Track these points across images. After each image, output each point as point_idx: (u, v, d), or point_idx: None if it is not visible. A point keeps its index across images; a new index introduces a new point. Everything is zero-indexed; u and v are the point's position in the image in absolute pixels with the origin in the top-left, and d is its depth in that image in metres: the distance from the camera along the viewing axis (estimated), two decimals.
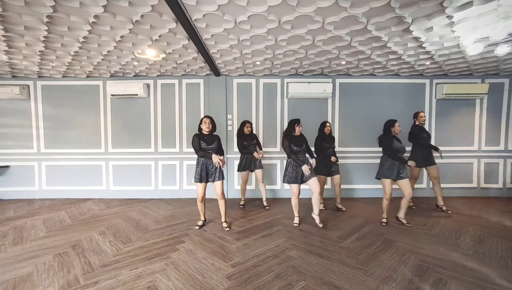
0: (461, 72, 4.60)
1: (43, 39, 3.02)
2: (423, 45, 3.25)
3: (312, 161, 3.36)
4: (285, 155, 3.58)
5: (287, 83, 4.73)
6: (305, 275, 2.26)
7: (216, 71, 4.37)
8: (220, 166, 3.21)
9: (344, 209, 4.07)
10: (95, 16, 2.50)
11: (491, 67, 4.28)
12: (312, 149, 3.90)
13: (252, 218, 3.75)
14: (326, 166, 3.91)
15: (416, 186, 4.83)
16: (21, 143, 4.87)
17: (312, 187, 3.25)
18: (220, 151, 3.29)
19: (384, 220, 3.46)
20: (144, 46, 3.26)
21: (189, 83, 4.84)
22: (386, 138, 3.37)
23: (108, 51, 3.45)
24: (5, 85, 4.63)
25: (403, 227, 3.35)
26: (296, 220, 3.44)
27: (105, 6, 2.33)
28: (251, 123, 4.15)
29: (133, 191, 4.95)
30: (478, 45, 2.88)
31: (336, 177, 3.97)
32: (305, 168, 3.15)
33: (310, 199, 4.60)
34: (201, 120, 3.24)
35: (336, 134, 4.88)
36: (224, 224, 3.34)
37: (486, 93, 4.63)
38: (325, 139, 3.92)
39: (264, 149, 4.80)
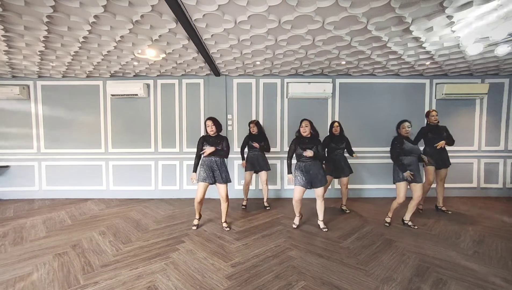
0: (461, 72, 4.60)
1: (43, 39, 3.02)
2: (423, 45, 3.25)
3: (308, 152, 3.05)
4: (285, 156, 3.57)
5: (287, 83, 4.73)
6: (305, 275, 2.26)
7: (216, 71, 4.37)
8: (225, 169, 3.20)
9: (348, 211, 4.01)
10: (95, 16, 2.50)
11: (491, 67, 4.28)
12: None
13: (252, 218, 3.75)
14: (337, 167, 3.82)
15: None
16: (21, 143, 4.87)
17: (316, 192, 3.15)
18: (224, 152, 3.18)
19: (388, 220, 3.41)
20: (144, 46, 3.26)
21: (189, 83, 4.84)
22: (394, 141, 3.26)
23: (108, 51, 3.45)
24: (5, 85, 4.63)
25: (403, 227, 3.34)
26: (296, 220, 3.35)
27: (105, 6, 2.32)
28: (256, 123, 4.04)
29: (133, 191, 4.95)
30: (478, 45, 2.87)
31: (344, 179, 3.89)
32: (289, 177, 3.13)
33: (311, 199, 4.61)
34: (205, 123, 3.22)
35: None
36: (224, 224, 3.33)
37: (486, 93, 4.63)
38: (333, 139, 3.84)
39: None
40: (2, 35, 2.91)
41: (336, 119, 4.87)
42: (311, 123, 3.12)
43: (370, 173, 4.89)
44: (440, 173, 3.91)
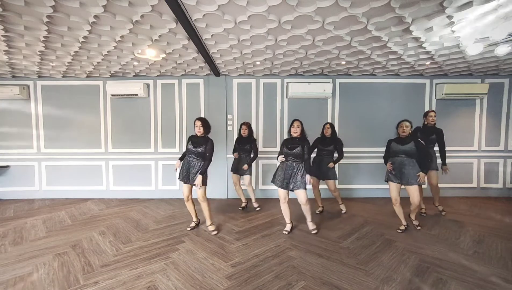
0: (461, 72, 4.60)
1: (43, 39, 3.02)
2: (423, 45, 3.25)
3: (307, 179, 2.98)
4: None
5: (287, 83, 4.73)
6: (305, 275, 2.26)
7: (216, 71, 4.37)
8: (203, 171, 3.06)
9: (344, 211, 3.99)
10: (95, 16, 2.50)
11: (491, 67, 4.28)
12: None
13: (252, 218, 3.75)
14: (319, 169, 3.77)
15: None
16: (21, 143, 4.87)
17: (298, 197, 3.05)
18: (205, 156, 3.10)
19: (402, 227, 3.21)
20: (144, 46, 3.26)
21: (189, 83, 4.84)
22: (386, 144, 3.28)
23: (108, 51, 3.45)
24: (5, 85, 4.63)
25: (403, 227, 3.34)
26: (288, 227, 3.20)
27: (105, 6, 2.33)
28: (248, 125, 4.00)
29: (133, 191, 4.95)
30: (478, 45, 2.87)
31: (330, 182, 3.76)
32: (280, 158, 3.08)
33: (310, 199, 4.61)
34: (194, 122, 3.19)
35: (336, 134, 4.86)
36: (210, 228, 3.20)
37: (486, 93, 4.63)
38: (322, 141, 3.80)
39: (263, 149, 4.80)
40: (2, 35, 2.91)
41: (336, 119, 4.87)
42: (302, 124, 3.08)
43: (370, 173, 4.89)
44: (428, 176, 3.83)
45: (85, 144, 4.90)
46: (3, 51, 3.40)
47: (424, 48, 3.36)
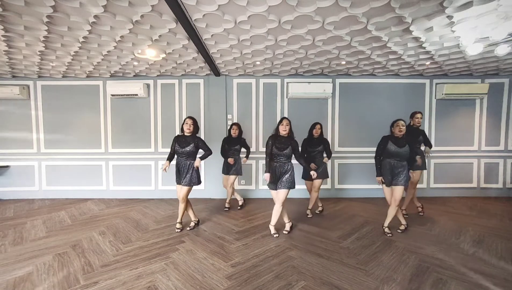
0: (461, 72, 4.60)
1: (43, 39, 3.02)
2: (423, 45, 3.25)
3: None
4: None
5: (287, 83, 4.73)
6: (305, 275, 2.26)
7: (216, 71, 4.37)
8: (192, 171, 3.13)
9: (310, 215, 3.79)
10: (95, 16, 2.50)
11: (491, 67, 4.28)
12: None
13: (252, 218, 3.75)
14: (307, 170, 3.64)
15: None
16: (21, 143, 4.87)
17: (278, 195, 2.99)
18: (194, 154, 3.16)
19: (402, 227, 3.22)
20: (144, 46, 3.26)
21: (189, 83, 4.83)
22: (382, 140, 3.12)
23: (108, 51, 3.45)
24: (5, 85, 4.63)
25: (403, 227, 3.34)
26: (287, 227, 3.19)
27: (105, 6, 2.32)
28: (238, 125, 4.05)
29: (133, 191, 4.95)
30: (478, 45, 2.87)
31: (319, 181, 3.69)
32: (266, 176, 2.97)
33: (308, 198, 4.61)
34: (184, 120, 3.20)
35: (336, 134, 4.88)
36: (178, 225, 3.26)
37: (486, 93, 4.63)
38: (310, 141, 3.72)
39: (263, 149, 4.79)
40: (2, 35, 2.91)
41: (336, 119, 4.87)
42: (290, 122, 3.04)
43: (370, 173, 4.88)
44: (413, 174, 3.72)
45: (85, 144, 4.90)
46: (3, 51, 3.40)
47: (424, 48, 3.36)
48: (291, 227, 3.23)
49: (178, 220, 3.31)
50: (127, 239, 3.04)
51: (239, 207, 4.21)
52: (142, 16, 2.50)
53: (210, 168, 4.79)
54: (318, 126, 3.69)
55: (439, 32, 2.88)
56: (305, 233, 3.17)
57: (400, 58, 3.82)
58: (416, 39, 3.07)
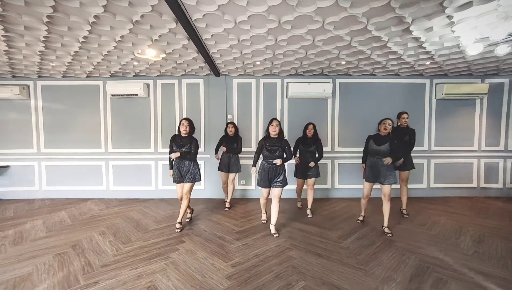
0: (461, 72, 4.60)
1: (43, 39, 3.02)
2: (423, 45, 3.25)
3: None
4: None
5: (287, 83, 4.73)
6: (305, 275, 2.26)
7: (216, 71, 4.37)
8: (193, 168, 3.27)
9: (310, 215, 3.80)
10: (95, 16, 2.50)
11: (491, 67, 4.28)
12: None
13: (252, 218, 3.75)
14: (303, 169, 3.80)
15: (416, 186, 4.84)
16: (21, 143, 4.87)
17: (273, 193, 3.12)
18: (191, 155, 3.25)
19: (361, 218, 3.55)
20: (144, 46, 3.26)
21: (189, 83, 4.83)
22: (366, 140, 3.33)
23: (108, 51, 3.45)
24: (5, 85, 4.63)
25: (403, 227, 3.35)
26: (264, 217, 3.54)
27: (105, 6, 2.32)
28: (234, 124, 4.14)
29: (133, 191, 4.95)
30: (478, 45, 2.87)
31: (311, 180, 3.80)
32: (253, 169, 3.14)
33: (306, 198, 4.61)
34: (180, 121, 3.29)
35: (336, 134, 4.88)
36: (178, 225, 3.27)
37: (486, 93, 4.63)
38: (304, 141, 3.79)
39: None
40: (2, 35, 2.91)
41: (336, 119, 4.87)
42: (280, 123, 3.13)
43: None
44: (401, 175, 3.82)
45: (85, 144, 4.90)
46: (3, 51, 3.40)
47: (424, 48, 3.36)
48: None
49: (179, 220, 3.32)
50: (127, 239, 3.04)
51: (226, 208, 4.19)
52: (142, 16, 2.50)
53: (210, 168, 4.79)
54: (310, 126, 3.77)
55: (439, 32, 2.88)
56: (305, 233, 3.17)
57: (400, 58, 3.82)
58: (416, 39, 3.07)
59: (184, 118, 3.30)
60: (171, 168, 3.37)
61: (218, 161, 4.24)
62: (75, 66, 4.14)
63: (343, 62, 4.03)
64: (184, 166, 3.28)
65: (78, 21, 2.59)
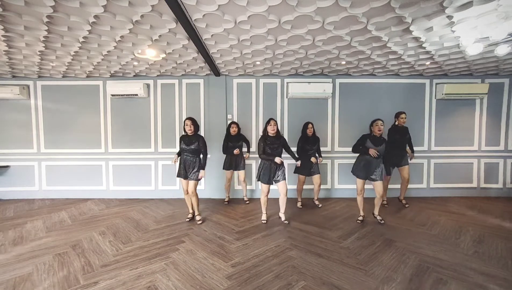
0: (461, 72, 4.60)
1: (43, 39, 3.02)
2: (423, 45, 3.25)
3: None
4: (285, 155, 3.58)
5: (287, 83, 4.73)
6: (305, 275, 2.26)
7: (216, 71, 4.37)
8: (198, 167, 3.43)
9: (320, 205, 4.23)
10: (95, 16, 2.50)
11: (491, 67, 4.28)
12: (294, 149, 3.96)
13: (252, 218, 3.75)
14: (307, 167, 3.97)
15: (415, 186, 4.85)
16: (21, 143, 4.87)
17: (279, 188, 3.39)
18: (199, 151, 3.44)
19: (360, 218, 3.54)
20: (144, 46, 3.26)
21: (189, 83, 4.83)
22: (362, 137, 3.41)
23: (108, 51, 3.45)
24: (5, 85, 4.63)
25: (403, 227, 3.35)
26: (264, 217, 3.57)
27: (105, 6, 2.32)
28: (237, 124, 4.29)
29: (133, 191, 4.95)
30: (478, 45, 2.87)
31: (316, 177, 4.06)
32: (277, 160, 3.25)
33: (308, 198, 4.61)
34: (184, 122, 3.44)
35: (336, 134, 4.89)
36: (197, 217, 3.58)
37: (486, 93, 4.63)
38: (307, 140, 3.96)
39: None
40: (2, 35, 2.91)
41: (336, 119, 4.87)
42: (276, 122, 3.36)
43: None
44: (401, 172, 4.16)
45: (85, 144, 4.90)
46: (3, 51, 3.40)
47: (424, 48, 3.35)
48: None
49: (196, 213, 3.59)
50: (127, 239, 3.04)
51: (225, 202, 4.47)
52: (142, 16, 2.50)
53: (210, 168, 4.78)
54: (310, 125, 3.98)
55: (439, 32, 2.88)
56: (305, 233, 3.17)
57: (400, 58, 3.82)
58: (416, 39, 3.07)
59: (187, 118, 3.44)
60: (177, 154, 3.57)
61: (224, 161, 4.38)
62: (75, 66, 4.14)
63: (343, 62, 4.03)
64: (191, 163, 3.42)
65: (78, 21, 2.59)
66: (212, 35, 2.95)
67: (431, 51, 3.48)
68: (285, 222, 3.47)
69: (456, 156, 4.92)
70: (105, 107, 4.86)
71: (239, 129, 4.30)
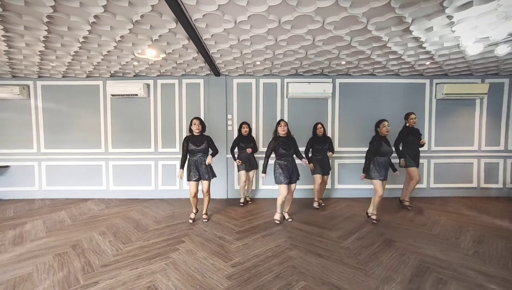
0: (461, 72, 4.60)
1: (43, 39, 3.02)
2: (423, 45, 3.25)
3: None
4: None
5: (287, 83, 4.73)
6: (305, 275, 2.26)
7: (216, 71, 4.37)
8: (210, 167, 3.47)
9: (323, 204, 4.31)
10: (95, 16, 2.50)
11: (491, 67, 4.28)
12: (301, 149, 4.00)
13: (252, 218, 3.75)
14: (321, 166, 4.00)
15: (416, 186, 4.83)
16: (21, 143, 4.87)
17: (291, 188, 3.43)
18: (208, 151, 3.49)
19: (374, 217, 3.53)
20: (144, 46, 3.26)
21: (189, 83, 4.83)
22: (373, 141, 3.40)
23: (108, 51, 3.45)
24: (5, 85, 4.63)
25: (403, 227, 3.35)
26: (277, 216, 3.53)
27: (105, 6, 2.32)
28: (248, 124, 4.24)
29: (133, 191, 4.95)
30: (478, 45, 2.87)
31: (326, 176, 4.17)
32: (263, 176, 3.32)
33: (307, 198, 4.62)
34: (191, 121, 3.42)
35: (336, 134, 4.89)
36: (204, 216, 3.61)
37: (486, 93, 4.63)
38: (317, 140, 4.00)
39: (263, 149, 4.79)
40: (2, 35, 2.91)
41: (336, 119, 4.88)
42: (287, 123, 3.40)
43: None
44: (414, 171, 4.04)
45: (85, 144, 4.90)
46: (3, 51, 3.40)
47: (424, 48, 3.36)
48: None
49: (204, 211, 3.62)
50: (127, 239, 3.04)
51: (241, 204, 4.36)
52: (142, 16, 2.50)
53: None
54: (319, 125, 4.04)
55: (439, 32, 2.88)
56: (305, 233, 3.17)
57: (400, 58, 3.82)
58: (416, 39, 3.07)
59: (195, 118, 3.44)
60: (181, 167, 3.39)
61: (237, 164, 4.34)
62: (75, 66, 4.14)
63: (343, 62, 4.03)
64: (203, 164, 3.42)
65: (78, 21, 2.59)
66: (212, 35, 2.95)
67: (431, 51, 3.49)
68: (289, 220, 3.55)
69: (456, 156, 4.92)
70: (105, 107, 4.86)
71: (250, 129, 4.27)
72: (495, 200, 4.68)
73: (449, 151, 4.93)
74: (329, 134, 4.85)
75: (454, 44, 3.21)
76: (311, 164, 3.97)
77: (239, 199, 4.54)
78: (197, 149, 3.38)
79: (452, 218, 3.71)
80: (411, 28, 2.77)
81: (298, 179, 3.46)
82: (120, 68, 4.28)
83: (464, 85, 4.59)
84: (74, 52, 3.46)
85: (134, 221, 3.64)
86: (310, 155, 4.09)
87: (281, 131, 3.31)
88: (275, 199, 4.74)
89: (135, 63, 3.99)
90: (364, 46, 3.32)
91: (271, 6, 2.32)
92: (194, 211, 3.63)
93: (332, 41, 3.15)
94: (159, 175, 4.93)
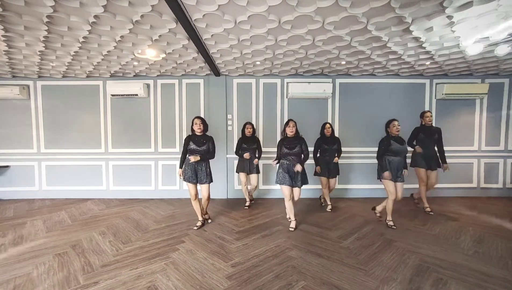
0: (461, 72, 4.60)
1: (43, 39, 3.02)
2: (423, 45, 3.25)
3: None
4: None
5: (287, 83, 4.73)
6: (305, 275, 2.26)
7: (216, 71, 4.37)
8: (208, 169, 3.33)
9: (323, 204, 4.27)
10: (95, 16, 2.50)
11: (491, 67, 4.28)
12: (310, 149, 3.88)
13: (252, 218, 3.75)
14: (328, 168, 3.90)
15: (415, 186, 4.83)
16: (21, 143, 4.87)
17: (295, 193, 3.26)
18: (210, 153, 3.34)
19: (391, 223, 3.34)
20: (144, 46, 3.26)
21: (189, 83, 4.83)
22: (383, 141, 3.28)
23: (108, 51, 3.45)
24: (5, 85, 4.63)
25: (403, 227, 3.35)
26: (293, 224, 3.28)
27: (105, 6, 2.33)
28: (252, 125, 4.15)
29: (133, 191, 4.95)
30: (478, 45, 2.88)
31: (334, 180, 4.02)
32: (298, 167, 3.14)
33: (312, 199, 4.62)
34: (192, 121, 3.32)
35: (336, 134, 4.87)
36: (206, 216, 3.54)
37: (486, 93, 4.63)
38: (324, 140, 3.92)
39: (263, 149, 4.78)
40: (2, 35, 2.91)
41: (336, 119, 4.87)
42: (296, 123, 3.28)
43: (370, 173, 4.88)
44: (429, 176, 3.94)
45: (85, 144, 4.90)
46: (3, 51, 3.40)
47: (424, 48, 3.36)
48: (296, 224, 3.34)
49: (200, 218, 3.40)
50: (127, 239, 3.04)
51: (246, 207, 4.22)
52: (142, 16, 2.50)
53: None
54: (327, 125, 3.94)
55: (439, 32, 2.88)
56: (305, 233, 3.17)
57: (400, 58, 3.82)
58: (416, 39, 3.07)
59: (196, 117, 3.33)
60: (181, 167, 3.31)
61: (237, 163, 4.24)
62: (75, 66, 4.14)
63: (343, 62, 4.03)
64: (202, 166, 3.29)
65: (78, 21, 2.59)
66: (212, 35, 2.95)
67: (431, 51, 3.49)
68: (291, 229, 3.27)
69: (456, 156, 4.91)
70: (105, 107, 4.86)
71: (254, 130, 4.14)
72: (495, 200, 4.68)
73: (449, 151, 4.92)
74: None
75: (454, 44, 3.21)
76: (318, 167, 3.89)
77: (239, 199, 4.53)
78: (197, 150, 3.23)
79: (452, 218, 3.71)
80: (411, 28, 2.77)
81: (305, 183, 3.24)
82: (120, 68, 4.28)
83: (464, 85, 4.59)
84: (74, 52, 3.46)
85: (134, 221, 3.64)
86: (318, 155, 3.99)
87: (289, 132, 3.20)
88: (275, 199, 4.75)
89: (135, 63, 3.99)
90: (364, 46, 3.32)
91: (271, 6, 2.32)
92: (200, 219, 3.40)
93: (332, 41, 3.15)
94: (159, 175, 4.93)
